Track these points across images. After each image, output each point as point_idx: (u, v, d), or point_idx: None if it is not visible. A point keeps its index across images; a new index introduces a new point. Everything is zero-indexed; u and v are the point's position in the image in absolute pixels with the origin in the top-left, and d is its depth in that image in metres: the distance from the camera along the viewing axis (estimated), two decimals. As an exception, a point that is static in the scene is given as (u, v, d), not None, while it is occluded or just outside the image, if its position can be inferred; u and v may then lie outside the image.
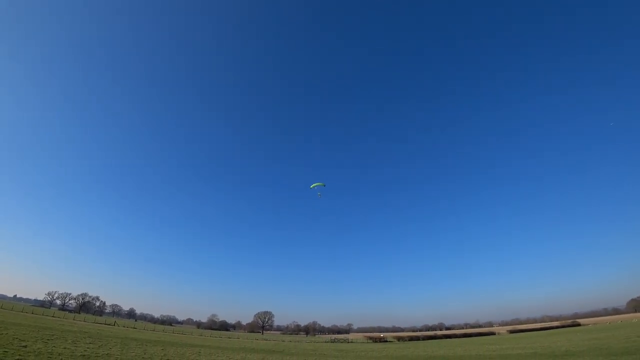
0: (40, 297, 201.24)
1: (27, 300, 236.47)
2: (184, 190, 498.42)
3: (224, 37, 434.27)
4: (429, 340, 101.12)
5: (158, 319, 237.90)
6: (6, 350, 17.75)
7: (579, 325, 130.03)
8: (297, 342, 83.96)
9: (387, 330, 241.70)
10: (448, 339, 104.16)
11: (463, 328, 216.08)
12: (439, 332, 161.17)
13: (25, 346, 20.55)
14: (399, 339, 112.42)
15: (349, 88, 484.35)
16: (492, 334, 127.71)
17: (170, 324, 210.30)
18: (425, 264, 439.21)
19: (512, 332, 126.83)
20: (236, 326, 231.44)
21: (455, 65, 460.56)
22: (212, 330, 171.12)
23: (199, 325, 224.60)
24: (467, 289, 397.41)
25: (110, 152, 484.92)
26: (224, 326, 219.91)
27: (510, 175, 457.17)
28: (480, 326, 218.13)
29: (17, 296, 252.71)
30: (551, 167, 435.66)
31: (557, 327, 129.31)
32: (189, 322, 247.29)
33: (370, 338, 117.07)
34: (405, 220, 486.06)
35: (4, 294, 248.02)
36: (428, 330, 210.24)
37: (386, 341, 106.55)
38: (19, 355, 16.79)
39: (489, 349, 42.38)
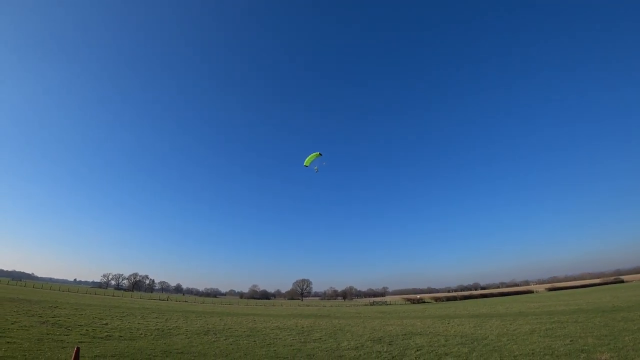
0: (97, 279, 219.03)
1: (85, 282, 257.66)
2: (218, 171, 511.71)
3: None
4: (466, 300, 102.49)
5: (203, 292, 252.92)
6: (94, 328, 19.95)
7: (622, 282, 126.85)
8: (338, 307, 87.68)
9: (422, 291, 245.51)
10: (485, 298, 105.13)
11: (498, 287, 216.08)
12: (474, 292, 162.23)
13: (107, 323, 22.90)
14: (436, 299, 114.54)
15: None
16: (530, 292, 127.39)
17: (215, 296, 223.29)
18: (457, 224, 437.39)
19: (550, 290, 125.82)
20: (276, 294, 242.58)
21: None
22: (256, 300, 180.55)
23: (241, 295, 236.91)
24: (501, 247, 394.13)
25: (150, 136, 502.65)
26: (265, 295, 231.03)
27: (541, 128, 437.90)
28: (516, 285, 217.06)
29: (77, 279, 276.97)
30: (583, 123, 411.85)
31: (598, 284, 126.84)
32: (231, 293, 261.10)
33: (408, 299, 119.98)
34: (432, 182, 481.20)
35: (66, 278, 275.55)
36: (463, 290, 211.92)
37: (424, 302, 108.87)
38: (106, 332, 18.84)
39: (530, 307, 42.85)
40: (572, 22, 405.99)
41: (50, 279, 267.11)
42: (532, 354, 12.79)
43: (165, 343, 16.48)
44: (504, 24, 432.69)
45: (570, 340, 14.84)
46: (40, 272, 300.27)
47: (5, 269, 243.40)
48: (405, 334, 21.13)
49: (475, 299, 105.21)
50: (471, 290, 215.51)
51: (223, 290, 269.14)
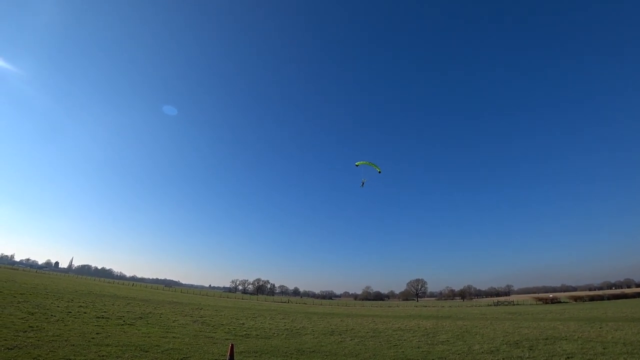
0: (227, 285, 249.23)
1: (218, 287, 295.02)
2: (333, 179, 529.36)
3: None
4: (617, 300, 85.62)
5: (319, 294, 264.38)
6: (234, 327, 22.34)
7: None
8: (458, 308, 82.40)
9: (554, 290, 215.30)
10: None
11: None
12: (628, 290, 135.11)
13: (243, 323, 25.48)
14: (576, 299, 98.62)
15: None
16: None
17: (331, 298, 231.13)
18: (595, 210, 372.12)
19: None
20: (390, 295, 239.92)
21: None
22: (371, 301, 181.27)
23: (355, 297, 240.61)
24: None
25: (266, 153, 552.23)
26: (379, 296, 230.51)
27: None
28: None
29: (211, 285, 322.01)
30: None
31: None
32: (345, 295, 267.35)
33: (539, 299, 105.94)
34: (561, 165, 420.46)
35: (203, 284, 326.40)
36: (611, 288, 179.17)
37: (559, 302, 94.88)
38: (244, 331, 20.93)
39: None
40: None
41: (192, 285, 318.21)
42: None
43: (296, 342, 17.58)
44: None
45: None
46: (184, 279, 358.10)
47: (160, 277, 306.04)
48: (546, 339, 18.71)
49: (629, 299, 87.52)
50: (622, 288, 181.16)
51: (337, 292, 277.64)
